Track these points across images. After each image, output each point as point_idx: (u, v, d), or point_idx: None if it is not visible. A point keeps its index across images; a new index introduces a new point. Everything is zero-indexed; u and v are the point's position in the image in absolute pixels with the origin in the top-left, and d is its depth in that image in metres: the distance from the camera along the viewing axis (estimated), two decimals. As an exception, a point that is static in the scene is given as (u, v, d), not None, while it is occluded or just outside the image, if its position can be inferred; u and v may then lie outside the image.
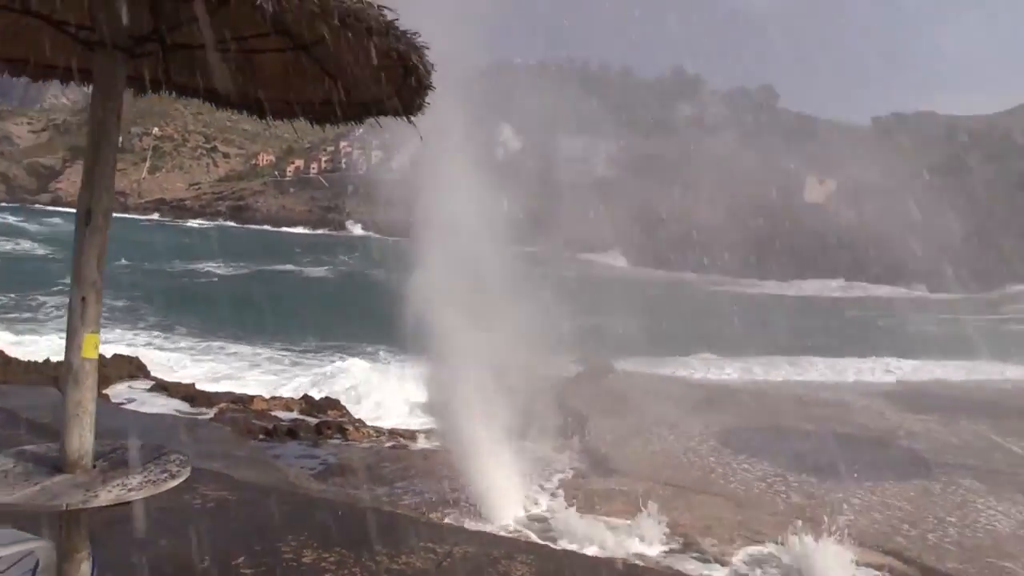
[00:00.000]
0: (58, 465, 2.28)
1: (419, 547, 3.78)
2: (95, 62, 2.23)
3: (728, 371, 12.04)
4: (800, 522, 5.51)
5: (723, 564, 4.85)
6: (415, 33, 2.04)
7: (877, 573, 4.84)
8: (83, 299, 2.23)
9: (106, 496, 2.10)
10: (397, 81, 2.37)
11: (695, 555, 4.93)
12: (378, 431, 7.79)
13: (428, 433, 8.49)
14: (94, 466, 2.31)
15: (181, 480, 2.32)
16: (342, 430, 7.72)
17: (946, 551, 5.02)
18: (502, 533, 4.60)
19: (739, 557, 4.90)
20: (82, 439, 2.27)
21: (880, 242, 70.27)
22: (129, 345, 17.81)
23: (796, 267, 73.74)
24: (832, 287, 60.73)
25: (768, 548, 5.06)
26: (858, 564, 4.90)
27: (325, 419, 8.46)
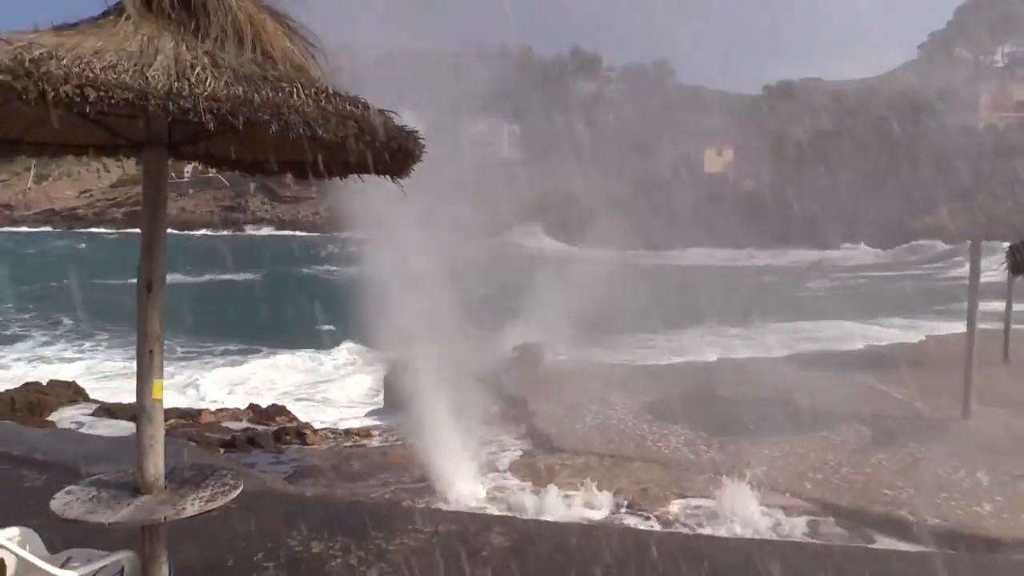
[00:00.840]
0: (137, 487, 2.81)
1: (408, 530, 4.41)
2: (144, 157, 2.75)
3: (652, 345, 13.00)
4: (722, 476, 6.41)
5: (660, 518, 5.64)
6: (415, 131, 2.64)
7: (786, 512, 5.71)
8: (150, 352, 2.77)
9: (191, 508, 2.67)
10: (388, 157, 2.93)
11: (636, 513, 5.71)
12: (335, 432, 8.29)
13: (381, 429, 9.06)
14: (166, 486, 2.84)
15: (239, 491, 2.88)
16: (300, 435, 8.18)
17: (842, 489, 5.96)
18: (474, 511, 5.23)
19: (674, 510, 5.71)
20: (156, 465, 2.81)
21: (778, 208, 73.68)
22: (62, 360, 17.65)
23: (707, 236, 76.57)
24: (742, 255, 63.26)
25: (697, 501, 5.89)
26: (771, 506, 5.78)
27: (283, 426, 8.89)
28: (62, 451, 6.66)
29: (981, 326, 8.09)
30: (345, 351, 21.77)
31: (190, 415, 10.49)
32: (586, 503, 5.91)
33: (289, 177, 3.45)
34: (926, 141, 74.83)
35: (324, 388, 16.86)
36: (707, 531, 5.29)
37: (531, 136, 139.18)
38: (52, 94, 1.86)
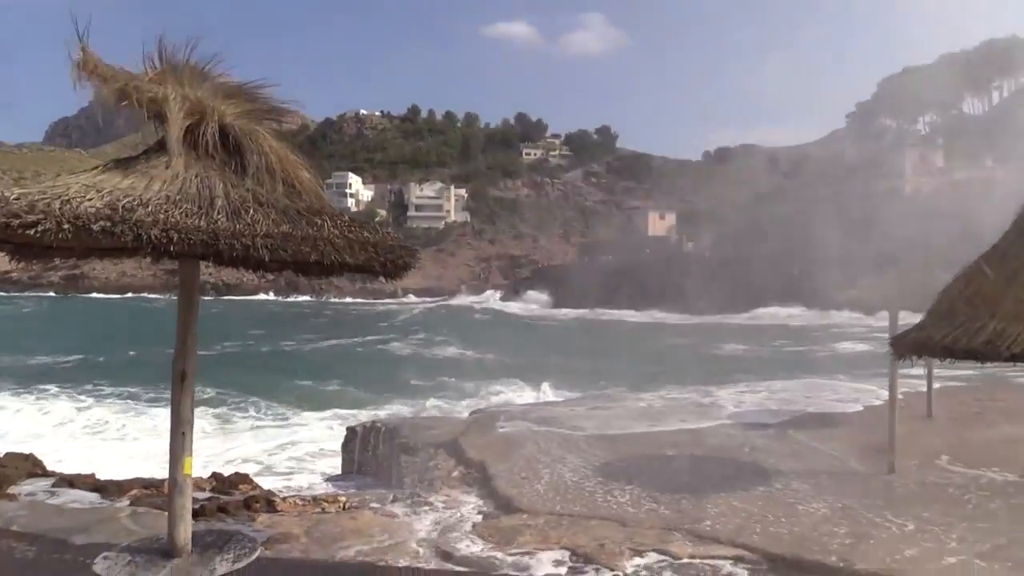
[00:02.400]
0: (167, 551, 3.23)
1: (390, 587, 4.81)
2: (181, 269, 3.24)
3: (601, 407, 13.55)
4: (672, 531, 6.95)
5: (616, 570, 6.13)
6: (415, 249, 3.21)
7: (732, 563, 6.26)
8: (183, 433, 3.22)
9: (221, 569, 3.11)
10: (390, 266, 3.46)
11: (596, 566, 6.19)
12: (303, 499, 8.57)
13: (348, 495, 9.36)
14: (192, 551, 3.27)
15: (258, 553, 3.32)
16: (269, 503, 8.45)
17: (781, 539, 6.54)
18: (449, 570, 5.65)
19: (629, 565, 6.20)
20: (186, 531, 3.25)
21: (720, 270, 75.97)
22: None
23: (645, 297, 78.34)
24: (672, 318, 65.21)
25: (650, 553, 6.40)
26: (717, 557, 6.32)
27: (249, 494, 9.13)
28: (40, 524, 6.86)
29: (903, 389, 8.88)
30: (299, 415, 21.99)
31: (153, 484, 10.59)
32: (549, 560, 6.37)
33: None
34: (854, 206, 78.63)
35: (278, 453, 17.02)
36: (659, 582, 5.78)
37: (478, 199, 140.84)
38: (145, 237, 2.37)
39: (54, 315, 68.68)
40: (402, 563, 6.29)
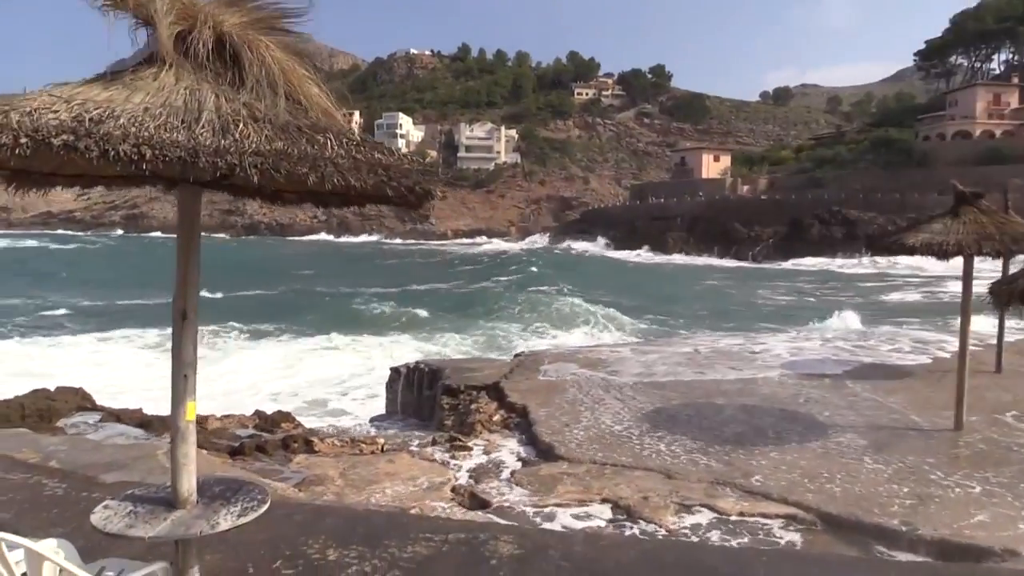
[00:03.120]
0: (171, 502, 2.99)
1: (420, 537, 4.59)
2: (180, 196, 2.92)
3: (649, 350, 13.16)
4: (720, 485, 6.61)
5: (661, 525, 5.82)
6: (437, 170, 2.83)
7: (783, 521, 5.90)
8: (184, 376, 2.95)
9: (224, 523, 2.85)
10: (409, 195, 3.09)
11: (638, 520, 5.89)
12: (341, 441, 8.45)
13: (387, 437, 9.23)
14: (198, 501, 3.02)
15: (268, 505, 3.06)
16: (307, 443, 8.36)
17: (837, 499, 6.14)
18: (483, 520, 5.41)
19: (674, 518, 5.89)
20: (189, 481, 3.00)
21: (770, 215, 73.93)
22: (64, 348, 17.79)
23: (696, 241, 76.87)
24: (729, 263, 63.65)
25: (696, 508, 6.07)
26: (768, 516, 5.97)
27: (289, 433, 9.07)
28: (77, 459, 6.84)
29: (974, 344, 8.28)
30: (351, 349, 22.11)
31: (196, 422, 10.65)
32: (589, 512, 6.10)
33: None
34: (920, 148, 75.30)
35: (327, 390, 17.09)
36: (708, 539, 5.46)
37: (529, 140, 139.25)
38: (112, 153, 2.04)
39: (120, 254, 70.59)
40: (437, 509, 6.09)
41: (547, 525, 5.76)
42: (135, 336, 23.50)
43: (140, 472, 6.58)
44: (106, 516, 2.89)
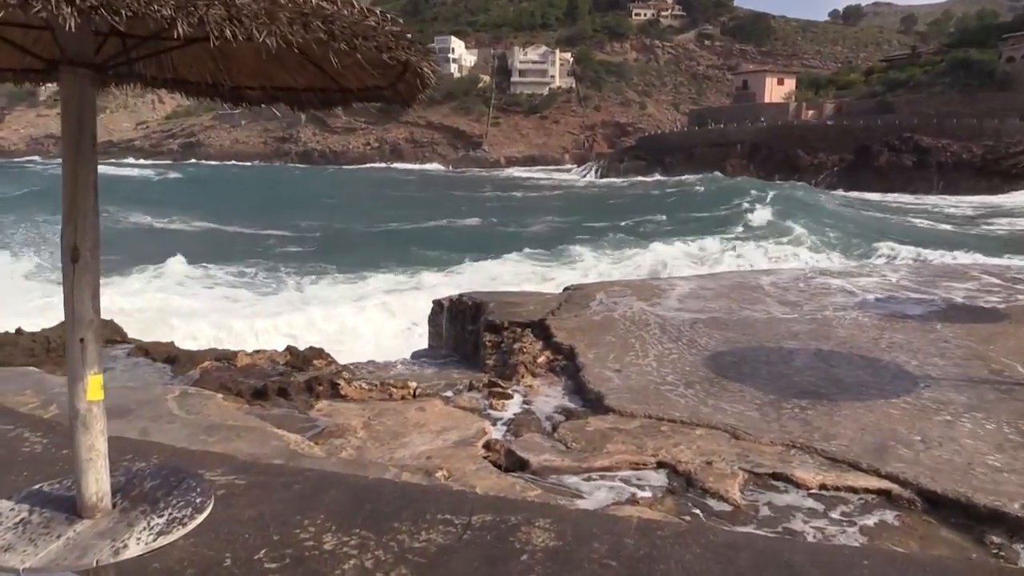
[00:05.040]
0: (77, 508, 2.20)
1: (437, 520, 3.80)
2: (62, 82, 2.04)
3: (712, 284, 12.11)
4: (796, 449, 5.68)
5: (726, 500, 4.95)
6: (423, 43, 1.89)
7: (872, 497, 4.97)
8: (81, 340, 2.11)
9: (135, 547, 2.04)
10: (395, 76, 2.20)
11: (700, 493, 5.03)
12: (370, 384, 7.74)
13: (420, 379, 8.50)
14: (114, 505, 2.24)
15: (206, 514, 2.27)
16: (334, 385, 7.67)
17: (936, 470, 5.16)
18: (514, 494, 4.62)
19: (743, 493, 5.00)
20: (99, 482, 2.20)
21: (838, 142, 70.52)
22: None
23: (758, 168, 74.04)
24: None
25: (768, 481, 5.17)
26: (853, 489, 5.04)
27: (315, 374, 8.41)
28: (78, 405, 6.25)
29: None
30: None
31: (226, 357, 10.09)
32: (642, 478, 5.26)
33: (339, 108, 2.79)
34: (1003, 71, 70.29)
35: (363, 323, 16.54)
36: (788, 523, 4.58)
37: (584, 63, 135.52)
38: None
39: (198, 182, 71.35)
40: (466, 472, 5.31)
41: (593, 496, 4.94)
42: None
43: (143, 421, 5.96)
44: (-16, 529, 2.12)
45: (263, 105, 2.89)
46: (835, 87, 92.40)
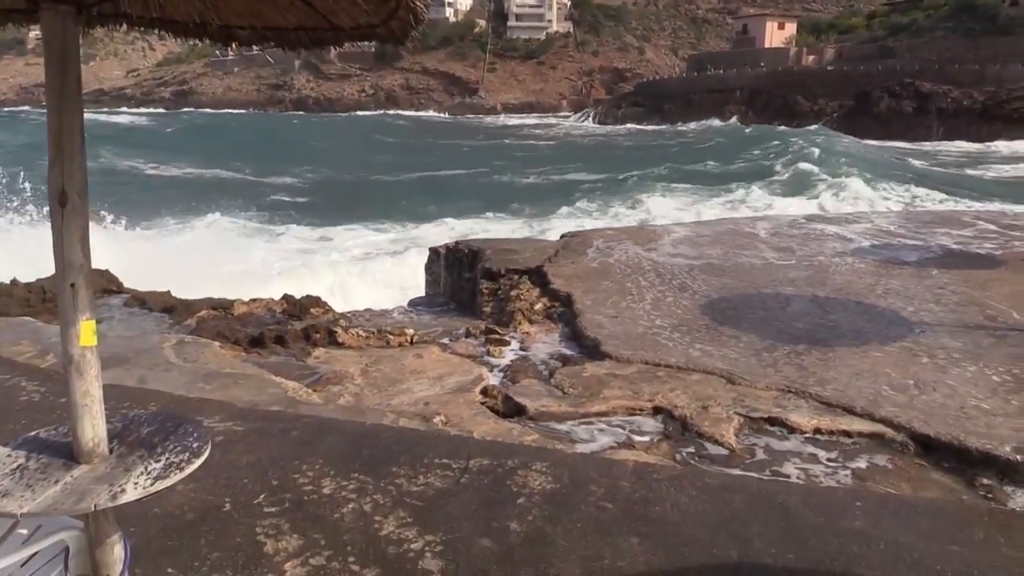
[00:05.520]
0: (74, 454, 2.20)
1: (435, 464, 3.83)
2: (43, 23, 1.98)
3: (708, 231, 12.06)
4: (791, 394, 5.72)
5: (721, 444, 5.00)
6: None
7: (867, 441, 5.02)
8: (72, 286, 2.08)
9: (133, 491, 2.04)
10: (388, 13, 2.14)
11: (695, 437, 5.07)
12: (367, 331, 7.75)
13: (417, 326, 8.52)
14: (111, 451, 2.24)
15: (204, 458, 2.27)
16: (331, 333, 7.68)
17: (930, 414, 5.20)
18: (511, 439, 4.65)
19: (739, 437, 5.05)
20: (95, 427, 2.19)
21: (838, 87, 69.60)
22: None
23: (757, 114, 73.28)
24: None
25: (764, 425, 5.22)
26: (848, 434, 5.09)
27: (312, 323, 8.41)
28: (75, 353, 6.25)
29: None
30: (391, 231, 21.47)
31: (223, 306, 10.08)
32: (638, 425, 5.30)
33: (334, 54, 2.71)
34: (1008, 14, 69.06)
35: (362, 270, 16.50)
36: (781, 466, 4.63)
37: (582, 7, 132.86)
38: None
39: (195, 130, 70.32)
40: (463, 417, 5.35)
41: (589, 440, 4.98)
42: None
43: (141, 369, 5.97)
44: (-20, 476, 2.12)
45: (253, 47, 2.83)
46: (836, 31, 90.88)
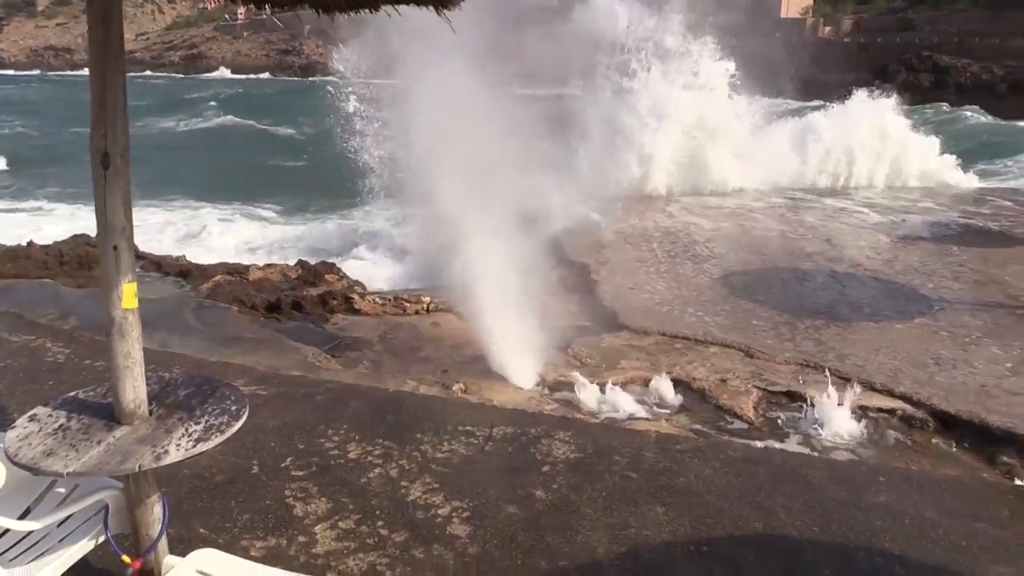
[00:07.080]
0: (115, 415, 2.21)
1: (459, 431, 3.86)
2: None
3: (721, 204, 11.99)
4: (810, 368, 5.72)
5: (741, 417, 5.01)
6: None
7: (885, 417, 5.02)
8: (115, 248, 2.08)
9: (176, 452, 2.06)
10: None
11: (714, 410, 5.08)
12: (384, 298, 7.76)
13: (433, 295, 8.52)
14: (151, 412, 2.26)
15: (243, 421, 2.29)
16: (347, 299, 7.69)
17: (950, 391, 5.20)
18: (533, 408, 4.67)
19: (758, 411, 5.06)
20: (136, 389, 2.20)
21: (854, 60, 68.56)
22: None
23: (772, 86, 72.36)
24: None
25: (783, 400, 5.23)
26: (866, 410, 5.09)
27: (329, 289, 8.42)
28: (97, 316, 6.28)
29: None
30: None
31: (238, 271, 10.09)
32: (655, 396, 5.31)
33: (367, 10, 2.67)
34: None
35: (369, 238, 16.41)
36: (797, 439, 4.64)
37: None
38: None
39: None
40: (482, 386, 5.37)
41: (608, 411, 5.00)
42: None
43: (161, 333, 5.99)
44: (25, 435, 2.14)
45: (286, 9, 2.79)
46: (855, 2, 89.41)
